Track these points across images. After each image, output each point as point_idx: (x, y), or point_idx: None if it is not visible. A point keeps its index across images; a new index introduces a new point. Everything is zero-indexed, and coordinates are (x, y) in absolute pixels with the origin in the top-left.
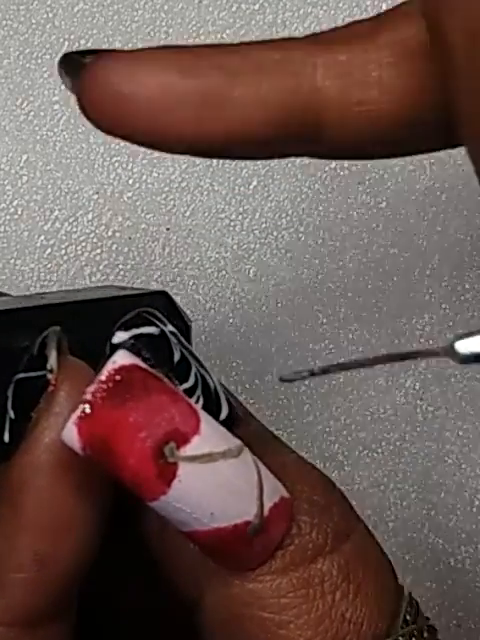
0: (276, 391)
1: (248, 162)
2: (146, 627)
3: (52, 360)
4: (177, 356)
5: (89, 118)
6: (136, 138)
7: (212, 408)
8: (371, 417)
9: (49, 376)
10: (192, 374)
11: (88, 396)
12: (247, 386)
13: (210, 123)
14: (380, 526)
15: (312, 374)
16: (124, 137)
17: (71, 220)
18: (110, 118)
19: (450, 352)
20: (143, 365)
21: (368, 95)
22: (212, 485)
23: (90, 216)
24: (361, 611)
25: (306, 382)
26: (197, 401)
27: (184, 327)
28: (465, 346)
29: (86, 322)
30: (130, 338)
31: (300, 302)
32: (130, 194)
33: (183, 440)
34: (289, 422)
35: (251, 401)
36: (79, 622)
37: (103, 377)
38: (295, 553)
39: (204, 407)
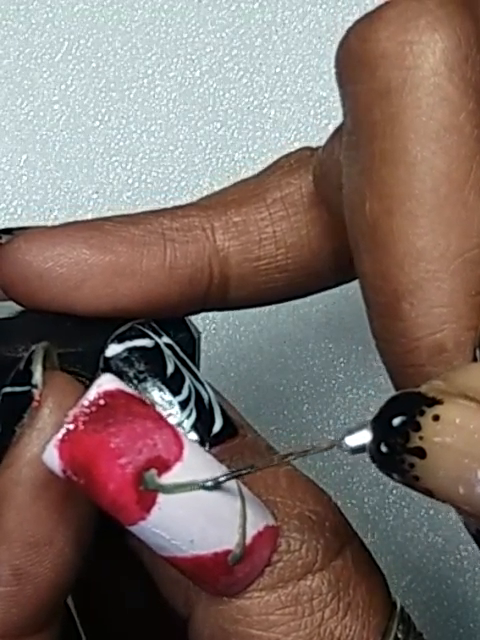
0: (275, 391)
1: (248, 162)
2: (146, 627)
3: (37, 376)
4: (171, 369)
5: (8, 295)
6: (55, 309)
7: (205, 421)
8: (371, 416)
9: (34, 391)
10: (185, 387)
11: (70, 419)
12: (246, 386)
13: (123, 292)
14: (380, 526)
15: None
16: (44, 308)
17: (71, 220)
18: (28, 294)
19: (342, 446)
20: (128, 390)
21: (266, 251)
22: (193, 513)
23: (90, 216)
24: (351, 629)
25: (305, 381)
26: (190, 414)
27: (189, 338)
28: (353, 440)
29: (82, 333)
30: (123, 351)
31: (300, 302)
32: (130, 194)
33: (165, 467)
34: (288, 422)
35: (250, 401)
36: (80, 622)
37: (86, 402)
38: (284, 570)
39: (197, 420)
